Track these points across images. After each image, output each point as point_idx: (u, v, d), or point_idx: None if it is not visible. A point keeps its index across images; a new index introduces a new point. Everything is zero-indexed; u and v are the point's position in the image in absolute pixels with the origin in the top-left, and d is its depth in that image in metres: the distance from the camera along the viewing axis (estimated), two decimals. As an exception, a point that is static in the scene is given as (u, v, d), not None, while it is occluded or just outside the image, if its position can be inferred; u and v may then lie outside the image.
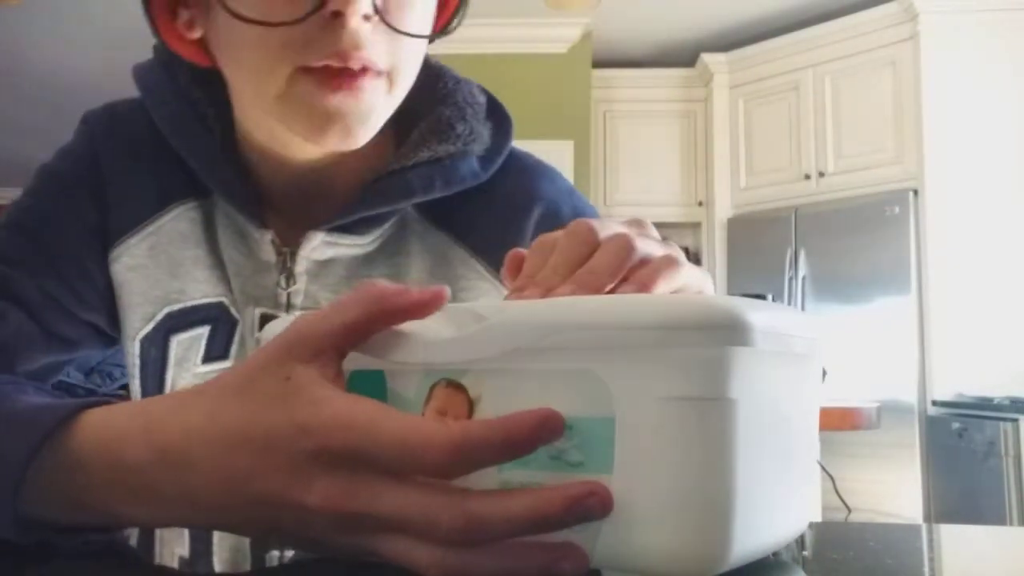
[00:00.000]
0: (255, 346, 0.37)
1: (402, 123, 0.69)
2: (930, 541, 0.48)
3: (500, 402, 0.33)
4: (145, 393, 0.65)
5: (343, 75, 0.53)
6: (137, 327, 0.65)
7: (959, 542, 0.49)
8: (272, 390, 0.34)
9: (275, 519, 0.34)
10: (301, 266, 0.63)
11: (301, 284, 0.64)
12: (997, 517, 2.95)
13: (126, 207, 0.66)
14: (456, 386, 0.35)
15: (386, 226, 0.65)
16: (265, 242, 0.64)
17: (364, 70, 0.54)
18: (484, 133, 0.69)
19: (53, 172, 0.67)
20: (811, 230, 3.87)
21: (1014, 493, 2.89)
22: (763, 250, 4.04)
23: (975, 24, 3.52)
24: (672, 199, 4.43)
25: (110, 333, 0.68)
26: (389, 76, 0.56)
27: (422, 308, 0.35)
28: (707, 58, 4.25)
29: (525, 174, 0.70)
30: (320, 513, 0.32)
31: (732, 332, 0.31)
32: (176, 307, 0.65)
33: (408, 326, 0.36)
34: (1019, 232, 3.43)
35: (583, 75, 4.19)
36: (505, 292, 0.41)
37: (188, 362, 0.64)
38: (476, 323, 0.34)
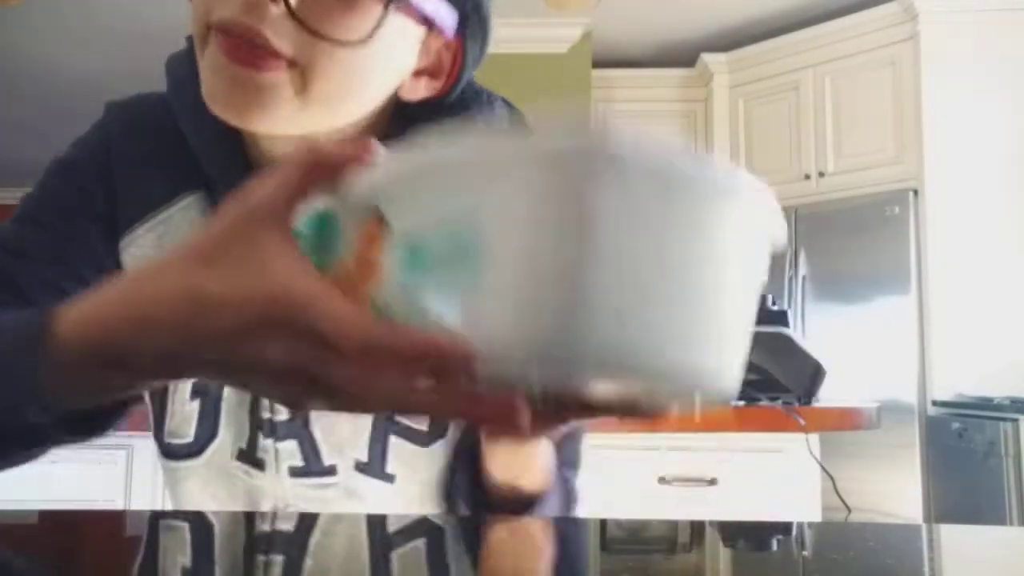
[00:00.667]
0: None
1: (412, 132, 0.69)
2: (930, 541, 0.48)
3: (408, 223, 0.38)
4: None
5: (245, 49, 0.54)
6: None
7: (959, 542, 0.49)
8: (236, 256, 0.38)
9: (231, 368, 0.39)
10: None
11: None
12: (997, 517, 2.95)
13: (136, 197, 0.67)
14: (379, 215, 0.39)
15: None
16: None
17: (264, 52, 0.54)
18: None
19: (66, 163, 0.69)
20: (811, 230, 3.87)
21: (1014, 493, 2.90)
22: (763, 250, 4.03)
23: (975, 24, 3.52)
24: (672, 199, 4.42)
25: None
26: (301, 72, 0.56)
27: (352, 158, 0.40)
28: (707, 58, 4.25)
29: None
30: (268, 366, 0.38)
31: (595, 139, 0.33)
32: None
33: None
34: (1019, 232, 3.43)
35: (583, 75, 4.19)
36: None
37: None
38: (393, 161, 0.39)
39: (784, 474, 1.75)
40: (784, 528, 0.59)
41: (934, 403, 3.40)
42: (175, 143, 0.66)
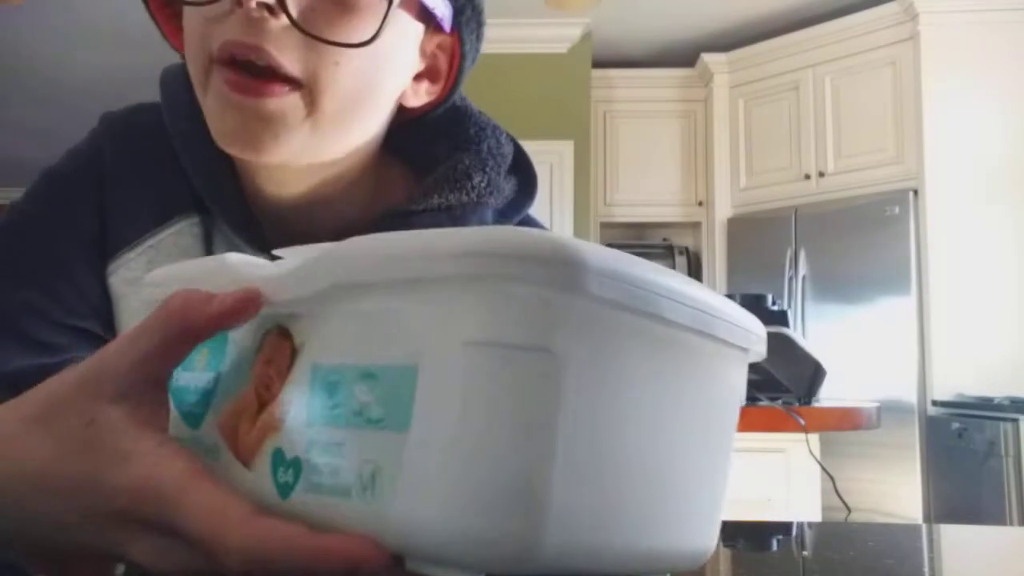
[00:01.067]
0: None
1: (419, 165, 0.68)
2: (930, 541, 0.48)
3: (318, 349, 0.31)
4: None
5: (248, 79, 0.53)
6: None
7: (959, 542, 0.49)
8: (74, 433, 0.32)
9: (96, 549, 0.33)
10: None
11: None
12: (997, 517, 2.95)
13: (127, 218, 0.64)
14: (284, 334, 0.32)
15: None
16: None
17: (271, 75, 0.53)
18: (505, 187, 0.67)
19: (56, 176, 0.66)
20: (811, 230, 3.87)
21: (1014, 493, 2.89)
22: (763, 250, 4.04)
23: (975, 24, 3.52)
24: (672, 199, 4.43)
25: (106, 337, 0.65)
26: (308, 91, 0.54)
27: (230, 317, 0.33)
28: (707, 58, 4.25)
29: None
30: (136, 558, 0.32)
31: (556, 268, 0.25)
32: None
33: (247, 269, 0.34)
34: (1019, 232, 3.43)
35: (583, 75, 4.19)
36: None
37: None
38: (298, 260, 0.32)
39: (784, 474, 1.75)
40: (784, 528, 0.59)
41: (934, 403, 3.40)
42: (170, 162, 0.64)
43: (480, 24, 0.64)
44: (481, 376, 0.25)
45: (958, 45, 3.52)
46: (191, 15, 0.55)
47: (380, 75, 0.58)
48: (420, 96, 0.63)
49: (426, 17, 0.59)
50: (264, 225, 0.64)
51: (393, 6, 0.54)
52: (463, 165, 0.65)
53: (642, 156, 4.43)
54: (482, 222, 0.65)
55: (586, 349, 0.26)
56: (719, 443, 0.34)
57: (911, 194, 3.55)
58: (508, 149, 0.69)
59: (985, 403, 3.16)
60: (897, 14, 3.66)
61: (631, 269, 0.27)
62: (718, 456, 0.35)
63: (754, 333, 0.35)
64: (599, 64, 4.34)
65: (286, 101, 0.54)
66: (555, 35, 4.13)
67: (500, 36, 4.03)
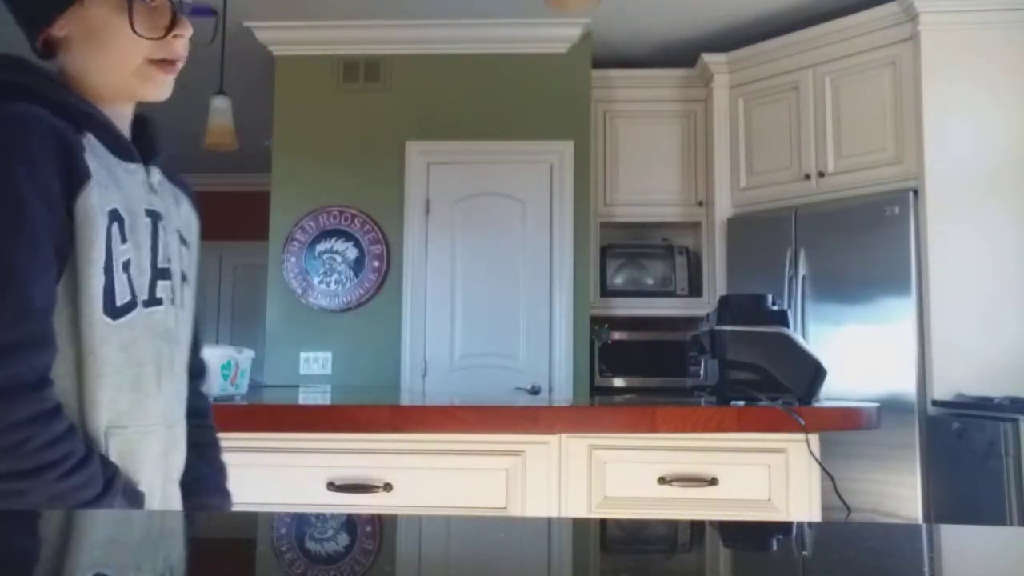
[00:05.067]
0: None
1: None
2: (930, 541, 0.48)
3: None
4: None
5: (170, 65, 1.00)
6: None
7: (959, 542, 0.49)
8: None
9: None
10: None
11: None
12: (997, 517, 2.95)
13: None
14: None
15: None
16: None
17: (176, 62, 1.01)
18: None
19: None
20: (811, 230, 3.87)
21: (1014, 493, 2.90)
22: (763, 250, 4.04)
23: (975, 24, 3.52)
24: (672, 199, 4.43)
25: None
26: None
27: None
28: (707, 58, 4.25)
29: None
30: None
31: None
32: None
33: None
34: (1019, 232, 3.43)
35: (583, 75, 4.20)
36: None
37: None
38: None
39: (784, 474, 1.75)
40: (784, 528, 0.59)
41: (934, 403, 3.40)
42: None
43: None
44: None
45: (958, 45, 3.53)
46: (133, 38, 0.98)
47: None
48: None
49: None
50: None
51: None
52: None
53: (642, 156, 4.43)
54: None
55: None
56: None
57: (911, 194, 3.55)
58: None
59: (985, 403, 3.16)
60: (897, 14, 3.66)
61: None
62: None
63: None
64: (599, 64, 4.34)
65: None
66: (555, 35, 4.13)
67: (500, 36, 4.03)
